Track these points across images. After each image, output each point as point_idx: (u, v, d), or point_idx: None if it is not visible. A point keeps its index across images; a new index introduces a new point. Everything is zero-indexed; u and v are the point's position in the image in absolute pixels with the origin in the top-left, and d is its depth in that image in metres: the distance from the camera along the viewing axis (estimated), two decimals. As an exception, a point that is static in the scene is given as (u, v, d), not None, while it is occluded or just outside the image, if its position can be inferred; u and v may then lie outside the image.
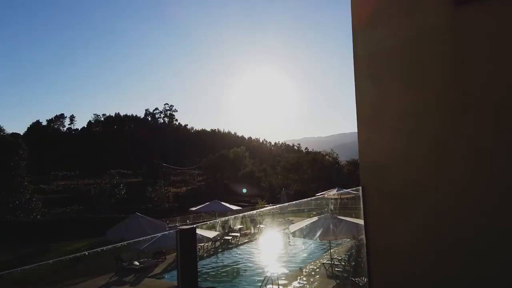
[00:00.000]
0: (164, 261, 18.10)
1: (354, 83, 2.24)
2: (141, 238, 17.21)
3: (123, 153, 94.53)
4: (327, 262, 16.64)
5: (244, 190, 62.77)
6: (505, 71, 1.78)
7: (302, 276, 15.80)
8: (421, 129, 1.98)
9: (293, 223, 18.90)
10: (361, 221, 2.16)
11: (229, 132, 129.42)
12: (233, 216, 24.73)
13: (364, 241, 2.20)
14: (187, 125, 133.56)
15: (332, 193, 23.84)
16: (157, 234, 15.29)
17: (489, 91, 1.81)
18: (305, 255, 19.94)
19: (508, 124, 1.74)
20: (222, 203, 26.45)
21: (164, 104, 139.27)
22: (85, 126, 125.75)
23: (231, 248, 21.69)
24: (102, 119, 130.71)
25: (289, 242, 23.00)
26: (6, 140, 46.68)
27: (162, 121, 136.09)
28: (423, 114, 1.98)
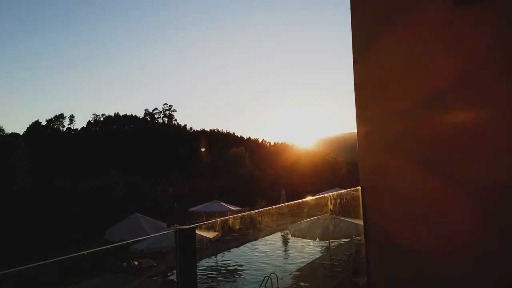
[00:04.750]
0: (163, 261, 18.09)
1: (353, 83, 2.24)
2: (140, 238, 17.20)
3: (123, 153, 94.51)
4: (327, 262, 16.65)
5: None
6: (505, 70, 1.78)
7: (301, 276, 15.80)
8: (421, 129, 1.98)
9: (292, 223, 18.90)
10: (360, 221, 2.16)
11: (228, 132, 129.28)
12: (232, 216, 24.74)
13: (364, 241, 2.20)
14: (186, 125, 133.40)
15: (332, 193, 23.80)
16: (156, 234, 15.27)
17: (489, 90, 1.81)
18: (305, 255, 19.95)
19: (510, 123, 1.74)
20: (222, 203, 26.45)
21: (163, 104, 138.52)
22: (85, 126, 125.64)
23: (231, 248, 21.70)
24: (102, 119, 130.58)
25: (289, 241, 23.01)
26: (5, 140, 46.62)
27: (162, 121, 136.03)
28: (423, 114, 1.98)
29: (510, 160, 1.73)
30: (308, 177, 58.82)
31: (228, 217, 27.71)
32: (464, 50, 1.88)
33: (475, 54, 1.86)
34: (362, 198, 2.15)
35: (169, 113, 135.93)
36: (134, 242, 15.39)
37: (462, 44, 1.89)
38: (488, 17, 1.82)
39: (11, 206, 39.07)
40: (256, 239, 24.05)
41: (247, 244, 22.90)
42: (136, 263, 17.25)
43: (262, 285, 13.54)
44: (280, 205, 3.50)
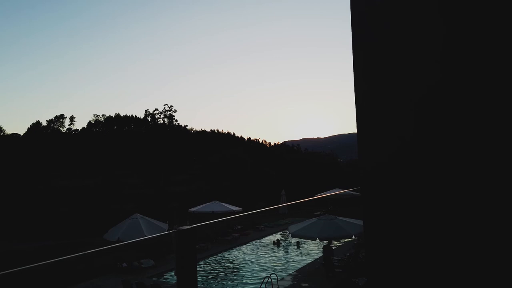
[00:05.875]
0: (164, 261, 18.10)
1: (353, 82, 2.23)
2: (140, 238, 17.19)
3: (123, 153, 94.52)
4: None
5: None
6: (505, 68, 1.76)
7: (301, 276, 15.79)
8: (422, 128, 1.97)
9: (293, 224, 18.90)
10: (360, 222, 2.17)
11: (228, 133, 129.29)
12: (232, 217, 24.71)
13: (364, 241, 2.20)
14: (186, 125, 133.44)
15: (332, 193, 23.86)
16: (157, 234, 15.25)
17: (490, 89, 1.80)
18: (305, 255, 19.94)
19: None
20: (222, 203, 26.41)
21: (164, 105, 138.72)
22: (85, 127, 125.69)
23: (231, 248, 21.70)
24: (102, 119, 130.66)
25: (288, 240, 23.00)
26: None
27: (162, 121, 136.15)
28: (424, 114, 1.97)
29: None
30: (308, 177, 58.79)
31: (229, 217, 27.79)
32: (465, 46, 1.87)
33: (475, 50, 1.84)
34: (362, 198, 2.14)
35: (169, 114, 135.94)
36: (134, 242, 15.37)
37: (462, 42, 1.87)
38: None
39: (11, 206, 39.04)
40: (256, 239, 24.05)
41: (247, 244, 22.89)
42: (136, 263, 17.26)
43: (262, 285, 13.53)
44: (280, 205, 3.48)
